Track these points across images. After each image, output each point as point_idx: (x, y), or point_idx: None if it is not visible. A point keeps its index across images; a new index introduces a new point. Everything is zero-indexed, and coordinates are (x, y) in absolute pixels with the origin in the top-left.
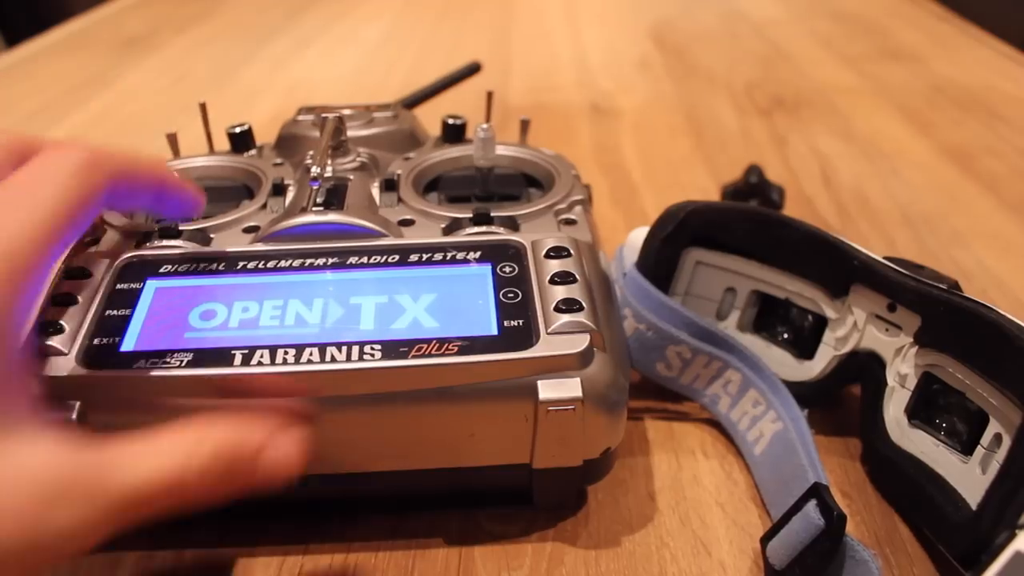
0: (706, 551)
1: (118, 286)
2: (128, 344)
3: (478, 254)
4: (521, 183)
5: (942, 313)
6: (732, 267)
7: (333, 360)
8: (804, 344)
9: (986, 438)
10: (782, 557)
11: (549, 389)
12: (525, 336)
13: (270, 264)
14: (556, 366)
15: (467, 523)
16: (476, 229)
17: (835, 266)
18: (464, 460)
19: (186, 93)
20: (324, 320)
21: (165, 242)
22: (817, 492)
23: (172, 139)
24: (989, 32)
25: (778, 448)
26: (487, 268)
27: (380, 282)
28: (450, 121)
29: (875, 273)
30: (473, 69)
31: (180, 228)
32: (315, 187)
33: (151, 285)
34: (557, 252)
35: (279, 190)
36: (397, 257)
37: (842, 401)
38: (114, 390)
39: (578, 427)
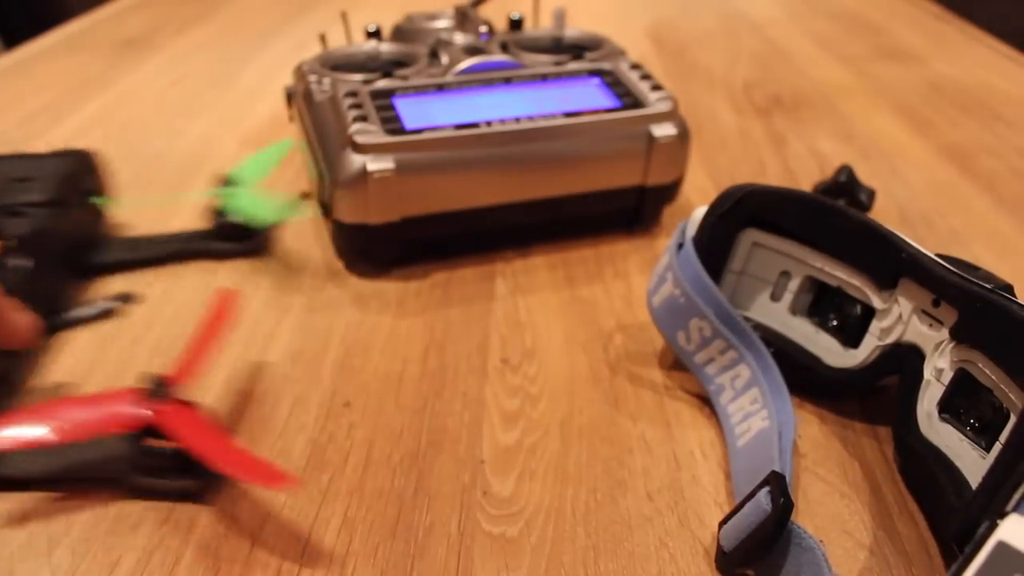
0: (705, 551)
1: (377, 101)
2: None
3: (587, 72)
4: (575, 48)
5: (978, 309)
6: (787, 251)
7: (536, 121)
8: (851, 332)
9: (1004, 435)
10: (731, 540)
11: (658, 130)
12: (638, 104)
13: (468, 82)
14: (658, 118)
15: (467, 523)
16: (576, 62)
17: (884, 258)
18: (608, 183)
19: (186, 93)
20: (520, 107)
21: (386, 81)
22: (771, 480)
23: (345, 16)
24: (988, 32)
25: (758, 442)
26: (597, 77)
27: (540, 88)
28: (513, 17)
29: (922, 267)
30: None
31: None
32: (485, 39)
33: (397, 100)
34: (637, 66)
35: (435, 54)
36: (542, 76)
37: (845, 402)
38: (418, 148)
39: (674, 153)
